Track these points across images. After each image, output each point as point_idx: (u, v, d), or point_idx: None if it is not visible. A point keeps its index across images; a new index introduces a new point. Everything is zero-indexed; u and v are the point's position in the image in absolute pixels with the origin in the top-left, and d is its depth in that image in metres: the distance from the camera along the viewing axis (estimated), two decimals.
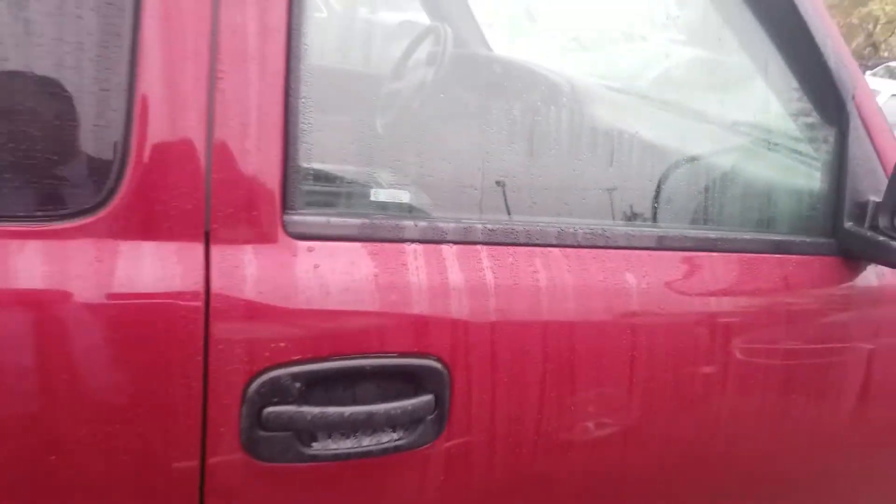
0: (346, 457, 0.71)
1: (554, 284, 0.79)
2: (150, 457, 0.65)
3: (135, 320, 0.62)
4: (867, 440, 1.10)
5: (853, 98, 1.01)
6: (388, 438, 0.73)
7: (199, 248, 0.65)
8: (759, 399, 0.96)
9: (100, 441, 0.63)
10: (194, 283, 0.64)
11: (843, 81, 1.00)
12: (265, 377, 0.67)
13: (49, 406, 0.61)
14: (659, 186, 0.99)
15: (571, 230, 0.82)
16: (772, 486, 1.04)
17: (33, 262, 0.60)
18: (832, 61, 0.99)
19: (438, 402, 0.74)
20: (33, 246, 0.60)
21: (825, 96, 1.02)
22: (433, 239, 0.75)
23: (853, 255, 1.02)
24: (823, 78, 1.01)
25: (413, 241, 0.74)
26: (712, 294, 0.92)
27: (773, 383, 0.98)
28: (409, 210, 0.77)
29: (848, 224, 1.02)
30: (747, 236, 0.99)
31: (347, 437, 0.71)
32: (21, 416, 0.61)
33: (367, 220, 0.73)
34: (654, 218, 0.95)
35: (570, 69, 1.15)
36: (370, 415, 0.70)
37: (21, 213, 0.60)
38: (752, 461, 1.00)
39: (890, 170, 1.05)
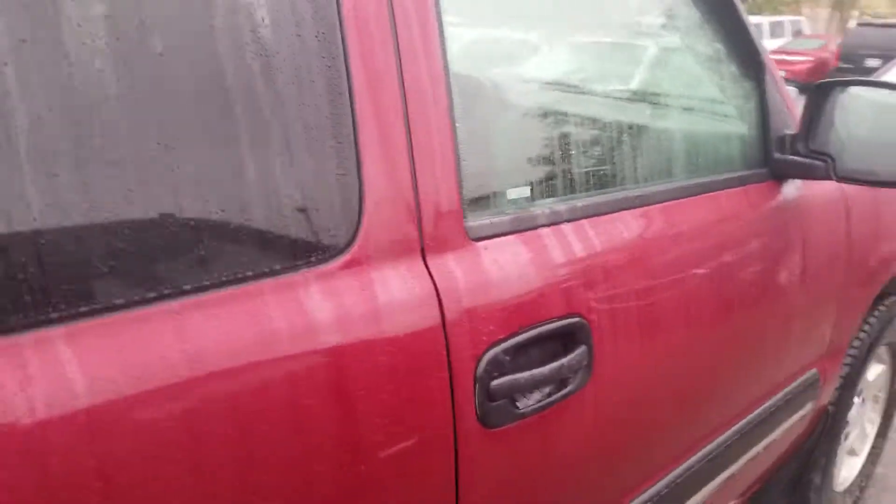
0: (541, 409, 0.87)
1: (639, 237, 1.01)
2: (421, 447, 0.76)
3: (405, 331, 0.73)
4: (807, 301, 1.46)
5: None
6: (562, 389, 0.89)
7: (420, 263, 0.76)
8: (751, 286, 1.26)
9: (393, 445, 0.73)
10: (429, 293, 0.75)
11: (758, 43, 1.30)
12: (488, 357, 0.80)
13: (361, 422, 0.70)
14: (642, 154, 1.22)
15: (632, 196, 1.03)
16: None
17: (321, 300, 0.68)
18: (751, 28, 1.29)
19: (588, 351, 0.92)
20: (316, 287, 0.68)
21: (747, 58, 1.31)
22: (555, 221, 0.92)
23: (782, 176, 1.35)
24: (746, 43, 1.30)
25: (544, 225, 0.91)
26: (709, 221, 1.18)
27: (753, 274, 1.27)
28: (533, 202, 0.93)
29: (776, 155, 1.33)
30: (712, 179, 1.26)
31: (535, 393, 0.87)
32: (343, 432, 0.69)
33: (512, 216, 0.88)
34: (661, 176, 1.18)
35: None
36: (556, 370, 0.87)
37: (300, 262, 0.68)
38: (746, 339, 1.30)
39: (791, 109, 1.38)
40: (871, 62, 11.32)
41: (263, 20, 0.64)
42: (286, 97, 0.66)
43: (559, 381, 0.89)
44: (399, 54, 0.74)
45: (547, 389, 0.88)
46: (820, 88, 1.30)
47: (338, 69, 0.69)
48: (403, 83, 0.74)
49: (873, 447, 2.28)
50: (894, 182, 1.25)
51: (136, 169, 0.58)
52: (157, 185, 0.59)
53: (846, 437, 2.06)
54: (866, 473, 2.27)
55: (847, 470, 2.15)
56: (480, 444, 0.81)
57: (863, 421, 2.18)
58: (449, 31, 0.80)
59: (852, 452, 2.17)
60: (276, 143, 0.66)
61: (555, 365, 0.88)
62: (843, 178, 1.28)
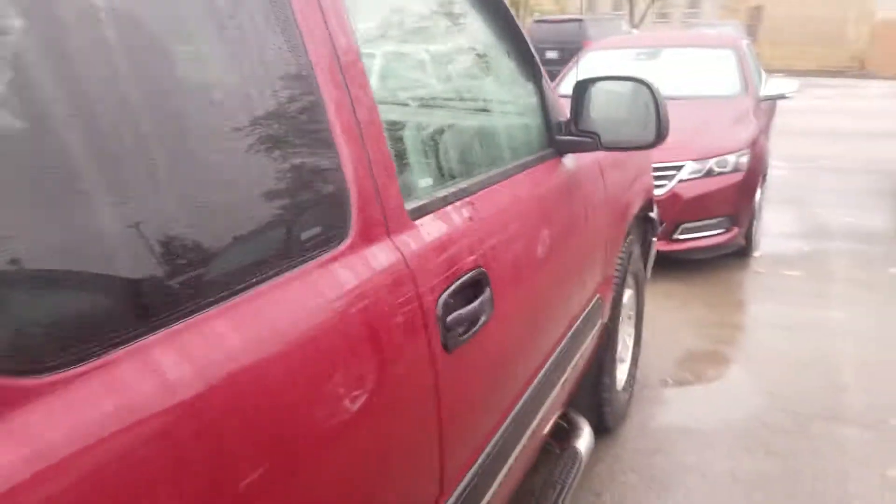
0: (473, 335, 1.19)
1: (501, 207, 1.38)
2: (413, 359, 1.04)
3: (394, 285, 1.01)
4: (591, 241, 1.96)
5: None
6: (480, 320, 1.23)
7: (388, 240, 1.04)
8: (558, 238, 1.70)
9: (398, 357, 1.01)
10: (399, 259, 1.04)
11: (536, 56, 1.75)
12: (441, 300, 1.10)
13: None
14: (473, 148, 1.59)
15: (486, 178, 1.40)
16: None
17: (346, 272, 0.93)
18: (530, 41, 1.72)
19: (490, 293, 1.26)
20: (340, 263, 0.93)
21: (531, 68, 1.75)
22: (453, 200, 1.25)
23: (564, 152, 1.81)
24: (529, 57, 1.73)
25: (450, 203, 1.23)
26: (538, 191, 1.60)
27: (563, 223, 1.72)
28: (434, 188, 1.24)
29: (557, 137, 1.79)
30: (527, 159, 1.67)
31: (467, 324, 1.19)
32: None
33: (428, 200, 1.19)
34: (502, 160, 1.56)
35: None
36: (477, 307, 1.20)
37: (324, 249, 0.92)
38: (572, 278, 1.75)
39: (559, 101, 1.85)
40: (550, 54, 13.16)
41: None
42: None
43: (478, 315, 1.23)
44: (354, 109, 1.01)
45: (473, 321, 1.21)
46: (579, 84, 1.79)
47: (321, 122, 0.95)
48: (359, 122, 1.02)
49: (633, 354, 2.96)
50: (638, 146, 1.78)
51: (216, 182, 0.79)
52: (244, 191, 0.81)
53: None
54: (632, 374, 2.95)
55: (620, 373, 2.78)
56: (444, 361, 1.12)
57: (624, 335, 2.83)
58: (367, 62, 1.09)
59: (621, 360, 2.81)
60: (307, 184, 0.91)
61: (476, 304, 1.21)
62: (607, 148, 1.78)
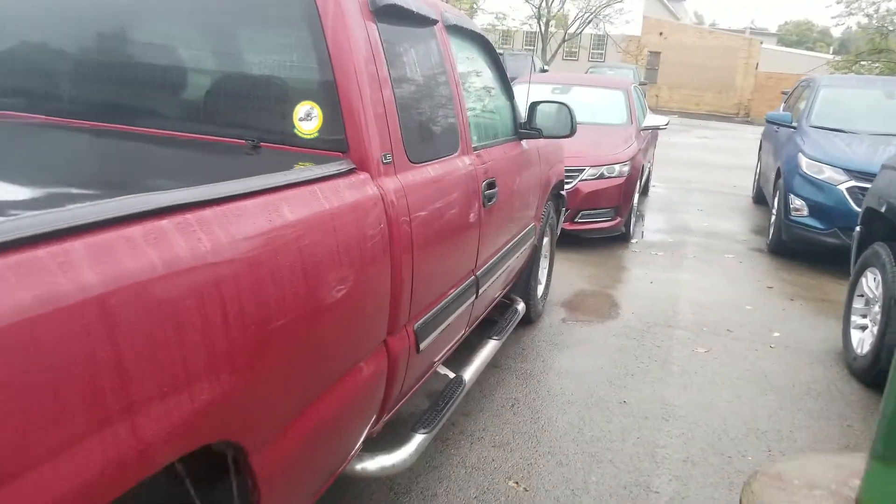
0: (493, 203, 2.74)
1: (469, 168, 2.96)
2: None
3: (470, 173, 2.53)
4: (534, 190, 3.57)
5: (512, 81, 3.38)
6: (493, 198, 2.78)
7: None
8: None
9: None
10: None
11: (509, 82, 3.35)
12: (483, 185, 2.64)
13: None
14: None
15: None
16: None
17: (461, 162, 2.46)
18: (507, 75, 3.32)
19: None
20: (459, 159, 2.45)
21: (507, 92, 3.34)
22: (479, 149, 2.80)
23: (522, 138, 3.41)
24: (508, 86, 3.33)
25: (478, 150, 2.77)
26: (511, 153, 3.17)
27: (514, 179, 3.30)
28: (476, 144, 2.78)
29: (520, 130, 3.39)
30: (508, 138, 3.24)
31: (490, 199, 2.74)
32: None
33: (474, 145, 2.72)
34: (492, 136, 3.14)
35: None
36: (493, 192, 2.76)
37: (451, 153, 2.44)
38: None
39: (518, 110, 3.46)
40: None
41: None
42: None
43: (493, 196, 2.77)
44: (461, 107, 2.55)
45: (491, 198, 2.75)
46: (532, 104, 3.40)
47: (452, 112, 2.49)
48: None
49: (547, 281, 4.59)
50: (561, 136, 3.41)
51: None
52: None
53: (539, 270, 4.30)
54: (545, 293, 4.57)
55: (539, 289, 4.39)
56: (483, 212, 2.65)
57: (542, 265, 4.44)
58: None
59: (539, 282, 4.42)
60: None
61: (493, 190, 2.76)
62: (545, 137, 3.40)
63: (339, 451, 1.84)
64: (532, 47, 30.79)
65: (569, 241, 6.15)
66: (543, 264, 4.47)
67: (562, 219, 4.87)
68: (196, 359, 1.14)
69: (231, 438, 1.26)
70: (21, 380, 0.85)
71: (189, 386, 1.13)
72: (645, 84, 24.28)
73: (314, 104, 1.92)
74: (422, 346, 2.18)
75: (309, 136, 1.93)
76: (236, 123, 1.97)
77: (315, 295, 1.50)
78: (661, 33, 35.50)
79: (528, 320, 4.25)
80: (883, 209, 3.78)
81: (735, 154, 15.15)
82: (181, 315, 1.11)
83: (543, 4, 28.14)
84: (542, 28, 28.64)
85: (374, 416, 2.04)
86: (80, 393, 0.93)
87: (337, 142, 1.90)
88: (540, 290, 4.39)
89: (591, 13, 29.44)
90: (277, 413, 1.43)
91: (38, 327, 0.87)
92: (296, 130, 1.94)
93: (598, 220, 6.10)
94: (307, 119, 1.93)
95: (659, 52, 35.37)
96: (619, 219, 6.21)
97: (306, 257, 1.47)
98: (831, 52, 35.17)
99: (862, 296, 4.02)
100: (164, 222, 1.14)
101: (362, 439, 2.02)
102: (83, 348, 0.93)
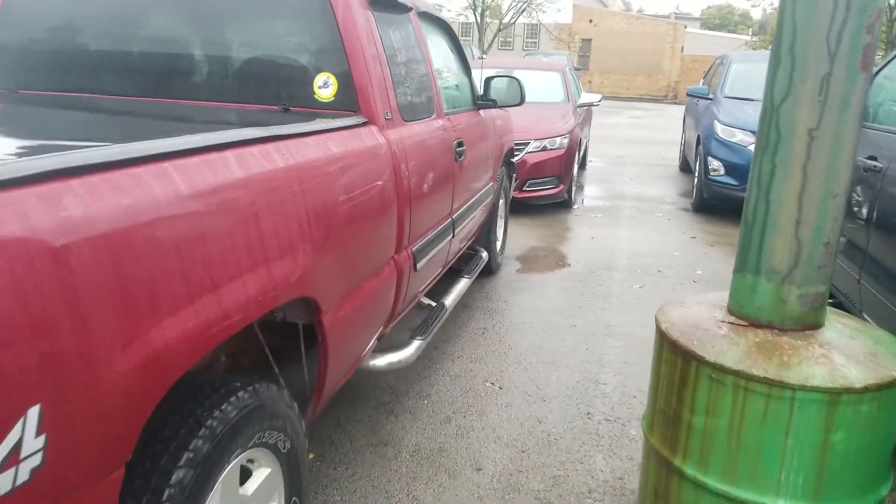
0: (462, 158, 3.36)
1: (463, 125, 3.59)
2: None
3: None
4: (490, 155, 4.21)
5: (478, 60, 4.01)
6: (463, 155, 3.40)
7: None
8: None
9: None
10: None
11: (469, 65, 3.98)
12: (455, 143, 3.25)
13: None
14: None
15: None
16: None
17: (440, 123, 3.06)
18: (468, 61, 3.95)
19: None
20: (435, 121, 3.05)
21: (466, 70, 3.97)
22: (450, 114, 3.41)
23: (479, 108, 4.04)
24: (466, 65, 3.96)
25: (449, 115, 3.39)
26: (472, 120, 3.80)
27: (479, 144, 3.93)
28: (446, 110, 3.39)
29: (478, 101, 4.02)
30: (470, 108, 3.86)
31: (461, 155, 3.35)
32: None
33: (446, 111, 3.33)
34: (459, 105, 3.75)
35: None
36: (462, 151, 3.38)
37: (428, 115, 3.04)
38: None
39: (475, 85, 4.10)
40: None
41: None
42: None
43: (462, 154, 3.39)
44: (436, 84, 3.16)
45: (461, 154, 3.37)
46: (487, 78, 4.02)
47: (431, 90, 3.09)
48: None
49: (503, 238, 5.24)
50: (512, 105, 4.05)
51: None
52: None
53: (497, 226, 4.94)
54: (503, 248, 5.23)
55: (498, 245, 5.04)
56: (456, 167, 3.27)
57: (499, 224, 5.09)
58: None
59: (497, 238, 5.06)
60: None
61: (462, 149, 3.38)
62: (499, 106, 4.03)
63: (368, 333, 2.44)
64: (468, 38, 31.52)
65: (519, 208, 6.83)
66: (500, 223, 5.12)
67: (513, 185, 5.53)
68: (294, 240, 1.72)
69: (313, 295, 1.84)
70: (203, 235, 1.42)
71: (293, 255, 1.71)
72: (578, 69, 25.24)
73: (330, 75, 2.50)
74: (418, 265, 2.78)
75: (327, 100, 2.50)
76: (269, 94, 2.53)
77: (356, 206, 2.09)
78: (591, 21, 36.70)
79: (490, 271, 4.89)
80: None
81: (663, 131, 16.17)
82: (286, 208, 1.69)
83: None
84: (478, 18, 29.36)
85: (387, 318, 2.64)
86: (248, 252, 1.50)
87: (350, 102, 2.48)
88: (498, 245, 5.04)
89: (525, 3, 30.30)
90: (338, 288, 2.02)
91: (218, 202, 1.44)
92: (315, 96, 2.51)
93: (543, 188, 6.80)
94: (325, 87, 2.51)
95: (590, 39, 36.58)
96: (562, 186, 6.92)
97: (346, 178, 2.06)
98: (751, 33, 36.93)
99: None
100: (268, 146, 1.71)
101: (377, 336, 2.61)
102: (246, 228, 1.51)
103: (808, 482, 1.57)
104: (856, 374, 1.52)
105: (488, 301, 4.50)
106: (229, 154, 1.54)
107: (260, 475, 1.73)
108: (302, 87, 2.52)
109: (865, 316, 3.00)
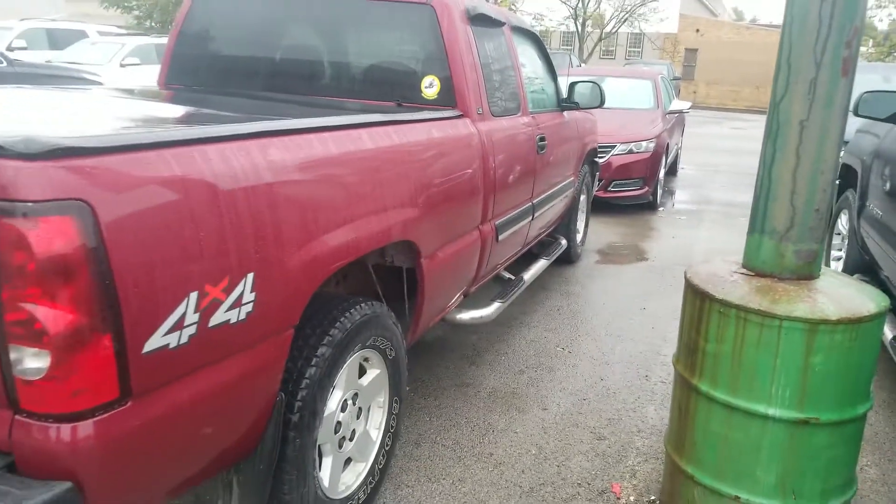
0: (544, 151, 3.89)
1: (557, 122, 4.11)
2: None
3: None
4: (573, 151, 4.70)
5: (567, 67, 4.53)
6: (545, 148, 3.93)
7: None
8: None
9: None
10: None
11: (556, 72, 4.50)
12: (537, 137, 3.78)
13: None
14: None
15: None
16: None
17: (524, 120, 3.60)
18: (552, 64, 4.47)
19: None
20: (521, 119, 3.60)
21: (553, 76, 4.49)
22: (536, 114, 3.94)
23: (563, 110, 4.55)
24: (553, 72, 4.48)
25: (535, 114, 3.92)
26: (556, 120, 4.31)
27: (567, 142, 4.44)
28: (534, 111, 3.92)
29: (562, 103, 4.54)
30: (554, 109, 4.37)
31: (542, 149, 3.88)
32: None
33: (534, 111, 3.86)
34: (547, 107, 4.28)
35: None
36: (543, 143, 3.90)
37: (516, 114, 3.59)
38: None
39: (560, 89, 4.61)
40: None
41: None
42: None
43: (543, 147, 3.91)
44: (523, 86, 3.70)
45: (542, 147, 3.89)
46: (571, 84, 4.53)
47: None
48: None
49: (584, 231, 5.70)
50: (594, 107, 4.53)
51: None
52: None
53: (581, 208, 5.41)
54: (583, 241, 5.69)
55: (578, 237, 5.50)
56: (537, 157, 3.79)
57: (580, 216, 5.55)
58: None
59: (578, 231, 5.52)
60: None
61: (544, 143, 3.90)
62: (582, 108, 4.52)
63: (456, 284, 3.00)
64: (570, 47, 31.77)
65: (603, 208, 7.25)
66: (581, 217, 5.58)
67: (596, 184, 5.98)
68: (403, 198, 2.31)
69: (415, 240, 2.42)
70: (346, 185, 2.03)
71: (402, 208, 2.30)
72: (678, 79, 25.05)
73: (434, 77, 3.09)
74: (500, 237, 3.33)
75: (431, 98, 3.10)
76: (386, 92, 3.16)
77: (450, 177, 2.67)
78: (697, 30, 36.11)
79: (569, 260, 5.37)
80: (854, 164, 4.82)
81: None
82: (399, 172, 2.28)
83: (580, 5, 29.11)
84: (579, 28, 29.60)
85: (471, 278, 3.20)
86: (374, 200, 2.10)
87: (450, 100, 3.07)
88: (578, 237, 5.50)
89: (627, 12, 30.28)
90: (434, 240, 2.60)
91: (358, 161, 2.04)
92: (422, 94, 3.11)
93: (627, 189, 7.19)
94: (430, 87, 3.10)
95: (696, 49, 35.99)
96: (646, 188, 7.28)
97: (445, 158, 2.64)
98: (871, 44, 35.18)
99: (839, 234, 5.05)
100: (389, 128, 2.31)
101: (462, 293, 3.18)
102: (374, 183, 2.10)
103: (793, 395, 2.00)
104: (832, 309, 1.95)
105: (566, 285, 4.98)
106: (363, 132, 2.15)
107: (372, 373, 2.33)
108: (412, 86, 3.13)
109: None
